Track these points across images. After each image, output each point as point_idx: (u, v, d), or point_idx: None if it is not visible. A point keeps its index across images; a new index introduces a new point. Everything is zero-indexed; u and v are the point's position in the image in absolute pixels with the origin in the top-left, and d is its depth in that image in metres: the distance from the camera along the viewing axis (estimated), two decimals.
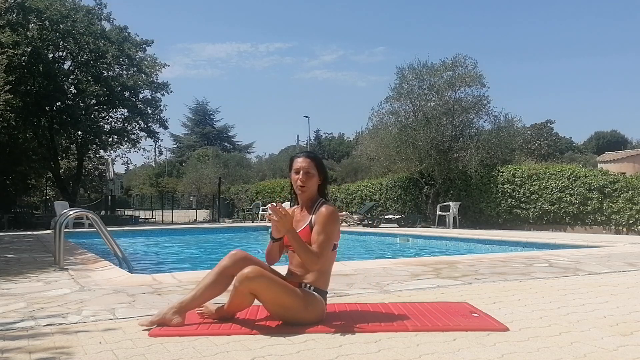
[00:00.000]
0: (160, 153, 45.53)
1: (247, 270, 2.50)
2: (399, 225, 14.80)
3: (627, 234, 11.52)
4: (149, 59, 21.44)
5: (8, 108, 14.75)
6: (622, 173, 15.50)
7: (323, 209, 2.68)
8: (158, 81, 21.60)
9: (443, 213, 14.44)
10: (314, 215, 2.70)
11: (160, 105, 22.04)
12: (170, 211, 25.83)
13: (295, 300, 2.54)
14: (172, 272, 4.88)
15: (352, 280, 4.00)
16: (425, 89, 15.72)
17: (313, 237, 2.65)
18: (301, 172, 2.74)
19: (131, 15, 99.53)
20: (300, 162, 2.76)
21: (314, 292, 2.64)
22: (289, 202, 3.37)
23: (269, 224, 2.70)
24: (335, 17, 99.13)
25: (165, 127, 23.14)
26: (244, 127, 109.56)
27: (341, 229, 2.87)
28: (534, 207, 13.38)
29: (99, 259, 5.74)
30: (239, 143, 61.42)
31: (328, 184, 2.89)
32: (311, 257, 2.56)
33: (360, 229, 13.82)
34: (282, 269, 2.81)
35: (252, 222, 19.24)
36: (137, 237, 12.52)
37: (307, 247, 2.58)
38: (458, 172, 15.05)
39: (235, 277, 2.53)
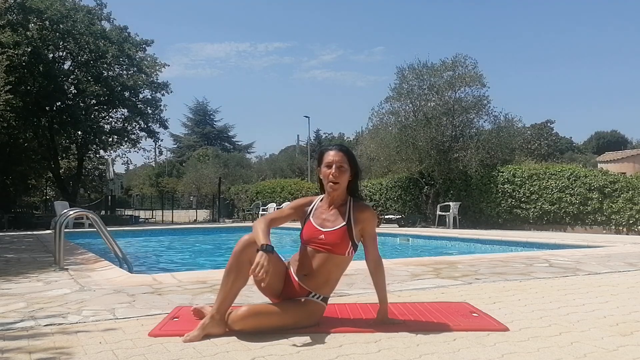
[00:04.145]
0: (160, 153, 45.71)
1: (241, 310, 2.38)
2: (399, 225, 14.80)
3: (627, 234, 11.52)
4: (149, 59, 21.43)
5: (8, 108, 14.74)
6: (622, 173, 15.48)
7: (369, 213, 2.58)
8: (158, 81, 21.59)
9: (443, 213, 14.43)
10: (353, 215, 2.55)
11: (160, 105, 22.03)
12: (170, 211, 25.81)
13: (296, 317, 2.46)
14: (172, 272, 4.87)
15: (352, 280, 3.99)
16: (425, 89, 15.71)
17: (369, 244, 2.58)
18: (334, 167, 2.54)
19: (130, 14, 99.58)
20: (332, 155, 2.56)
21: (321, 302, 2.56)
22: (288, 202, 3.33)
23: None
24: (335, 17, 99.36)
25: (165, 127, 23.15)
26: (244, 127, 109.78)
27: None
28: (534, 207, 13.37)
29: (99, 259, 5.75)
30: (239, 143, 61.57)
31: (359, 181, 2.70)
32: (384, 273, 2.63)
33: None
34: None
35: (252, 222, 19.19)
36: (137, 237, 12.53)
37: (384, 284, 2.63)
38: (458, 172, 15.03)
39: (229, 317, 2.39)
